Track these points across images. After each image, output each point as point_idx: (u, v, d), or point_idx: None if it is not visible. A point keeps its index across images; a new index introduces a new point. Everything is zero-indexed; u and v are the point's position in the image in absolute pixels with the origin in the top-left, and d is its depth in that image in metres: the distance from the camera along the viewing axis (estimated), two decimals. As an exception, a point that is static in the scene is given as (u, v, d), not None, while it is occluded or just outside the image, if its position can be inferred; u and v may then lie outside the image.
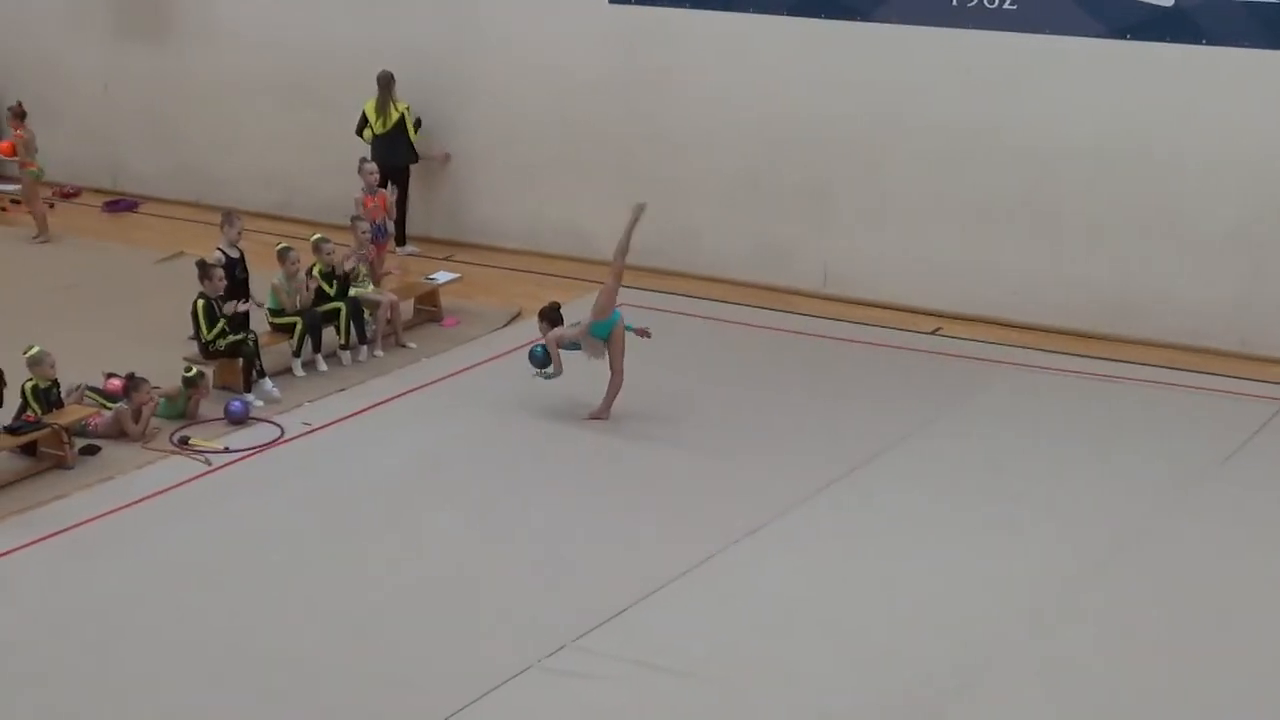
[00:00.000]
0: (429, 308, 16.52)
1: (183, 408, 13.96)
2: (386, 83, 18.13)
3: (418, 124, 18.35)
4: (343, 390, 14.72)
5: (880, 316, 16.54)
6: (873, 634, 10.64)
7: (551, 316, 14.02)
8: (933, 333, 16.20)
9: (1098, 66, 15.52)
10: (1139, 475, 12.95)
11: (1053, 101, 15.78)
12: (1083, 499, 12.53)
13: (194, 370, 14.05)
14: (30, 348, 13.40)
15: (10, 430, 13.01)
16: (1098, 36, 15.39)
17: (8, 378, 13.27)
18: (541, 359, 13.98)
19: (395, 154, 18.12)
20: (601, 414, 13.85)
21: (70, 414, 13.38)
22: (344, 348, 15.28)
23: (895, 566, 11.52)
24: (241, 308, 14.69)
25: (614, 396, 13.84)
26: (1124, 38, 15.29)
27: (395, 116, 18.14)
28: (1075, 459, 13.24)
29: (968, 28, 15.88)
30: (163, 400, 13.86)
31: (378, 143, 18.16)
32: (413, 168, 18.58)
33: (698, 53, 17.35)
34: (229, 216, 15.58)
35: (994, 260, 16.39)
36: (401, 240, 18.47)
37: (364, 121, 18.34)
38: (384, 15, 18.86)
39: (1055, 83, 15.73)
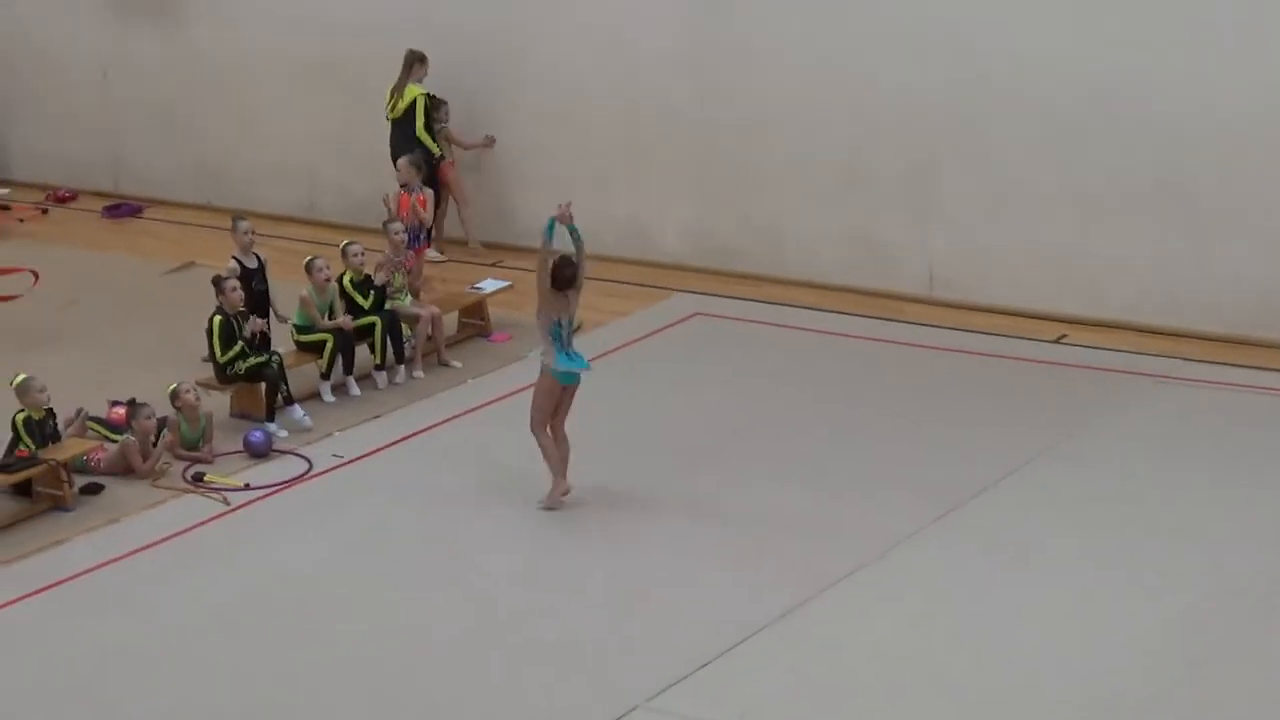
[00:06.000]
0: (475, 321, 16.65)
1: (204, 430, 14.07)
2: (407, 63, 18.19)
3: (432, 108, 18.25)
4: (378, 417, 14.85)
5: (995, 323, 16.55)
6: (989, 691, 10.62)
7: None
8: (1057, 341, 16.16)
9: (1247, 20, 15.42)
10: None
11: (1195, 64, 15.71)
12: (1237, 533, 12.48)
13: (174, 384, 14.14)
14: (16, 375, 13.55)
15: (1, 468, 13.16)
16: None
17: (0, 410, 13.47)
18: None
19: (398, 146, 18.09)
20: (554, 498, 13.08)
21: (69, 448, 13.56)
22: (380, 368, 15.38)
23: (1015, 614, 11.51)
24: (260, 326, 14.81)
25: (565, 466, 13.09)
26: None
27: (405, 103, 18.15)
28: (1228, 486, 13.21)
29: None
30: (183, 424, 13.99)
31: (391, 131, 18.21)
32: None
33: (780, 18, 17.35)
34: (234, 221, 15.76)
35: (1127, 254, 16.34)
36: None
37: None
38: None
39: (1198, 42, 15.67)
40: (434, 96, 18.38)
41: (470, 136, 18.67)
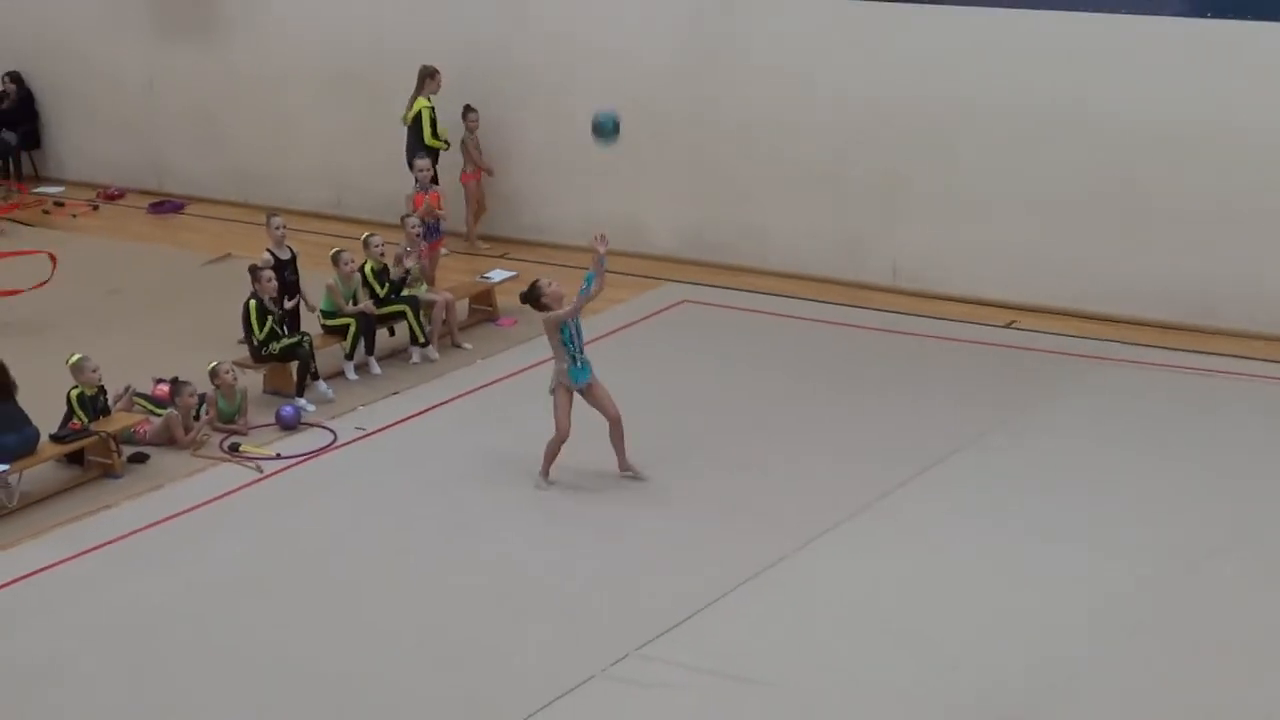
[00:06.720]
0: (485, 307, 16.90)
1: (240, 405, 14.32)
2: (420, 77, 18.39)
3: (463, 115, 18.52)
4: (397, 394, 15.10)
5: (952, 310, 16.75)
6: (948, 641, 10.84)
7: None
8: (1007, 326, 16.37)
9: (1180, 46, 15.76)
10: (1237, 475, 13.03)
11: (1133, 83, 15.98)
12: (1174, 501, 12.63)
13: (213, 363, 14.43)
14: (71, 355, 13.82)
15: (56, 438, 13.44)
16: (1179, 15, 15.60)
17: (55, 386, 13.68)
18: (609, 131, 12.88)
19: (410, 150, 18.32)
20: (624, 465, 13.18)
21: (118, 421, 13.86)
22: (424, 344, 15.74)
23: (972, 571, 11.73)
24: (289, 304, 15.08)
25: (623, 444, 13.15)
26: (1205, 16, 15.46)
27: (411, 114, 18.36)
28: (1166, 457, 13.37)
29: (1043, 9, 16.11)
30: (220, 400, 14.24)
31: (406, 137, 18.45)
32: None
33: (763, 36, 17.60)
34: (268, 217, 16.04)
35: (1072, 249, 16.54)
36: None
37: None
38: (435, 2, 19.15)
39: (1136, 64, 15.97)
40: (468, 105, 18.64)
41: (483, 140, 18.85)
